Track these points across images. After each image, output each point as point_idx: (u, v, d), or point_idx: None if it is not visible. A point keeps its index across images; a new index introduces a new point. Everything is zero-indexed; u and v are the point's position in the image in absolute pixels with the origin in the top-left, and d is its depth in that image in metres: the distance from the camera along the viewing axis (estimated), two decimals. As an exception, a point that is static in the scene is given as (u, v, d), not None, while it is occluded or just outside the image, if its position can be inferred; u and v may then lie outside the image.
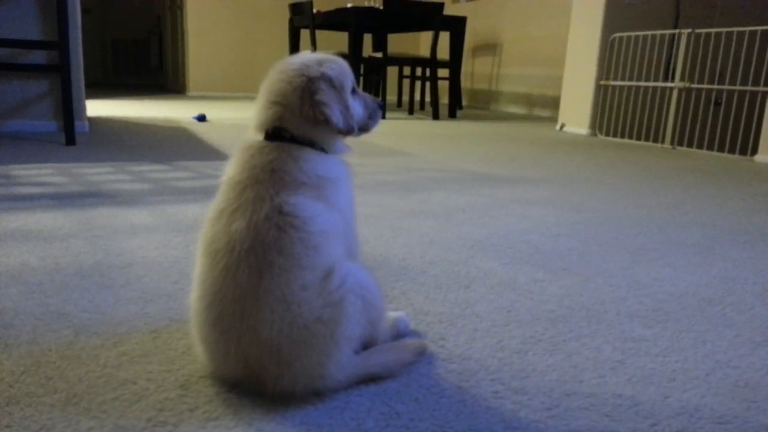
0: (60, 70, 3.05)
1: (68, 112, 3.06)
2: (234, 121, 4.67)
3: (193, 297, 0.86)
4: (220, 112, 5.35)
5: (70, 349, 0.93)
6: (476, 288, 1.28)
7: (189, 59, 7.62)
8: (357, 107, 0.96)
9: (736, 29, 3.67)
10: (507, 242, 1.65)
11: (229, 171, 0.89)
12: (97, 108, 5.22)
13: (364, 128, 0.99)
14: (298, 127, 0.89)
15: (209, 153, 3.00)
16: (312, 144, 0.90)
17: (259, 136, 0.91)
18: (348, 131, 0.92)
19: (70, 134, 3.07)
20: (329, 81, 0.90)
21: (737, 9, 4.99)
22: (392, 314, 1.03)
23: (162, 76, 9.51)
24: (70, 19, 3.20)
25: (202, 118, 4.52)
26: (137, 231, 1.59)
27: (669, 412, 0.83)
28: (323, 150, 0.92)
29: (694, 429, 0.79)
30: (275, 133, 0.89)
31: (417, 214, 1.92)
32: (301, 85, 0.88)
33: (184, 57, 7.80)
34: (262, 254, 0.80)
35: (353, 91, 0.95)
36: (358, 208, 1.99)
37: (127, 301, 1.13)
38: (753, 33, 4.06)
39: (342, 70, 0.93)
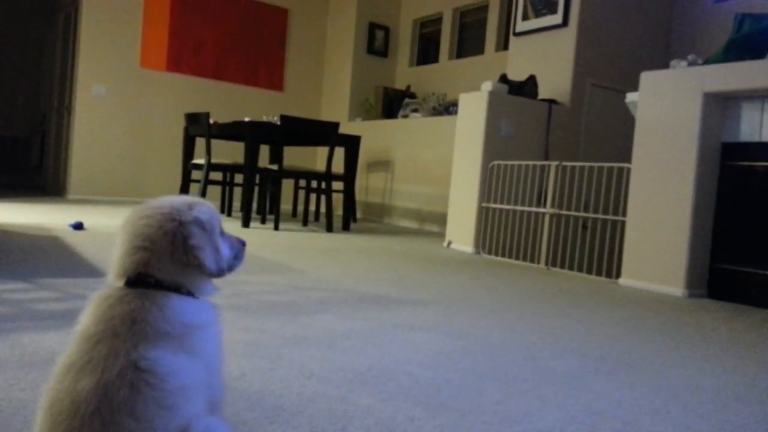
0: None
1: None
2: (114, 229, 4.45)
3: (26, 466, 0.77)
4: (99, 219, 5.10)
5: None
6: (352, 430, 1.25)
7: (72, 160, 7.31)
8: (225, 248, 0.96)
9: (596, 164, 4.12)
10: (388, 374, 1.64)
11: (84, 321, 0.84)
12: (-40, 209, 4.80)
13: (230, 268, 0.99)
14: (166, 271, 0.87)
15: (80, 268, 2.81)
16: (178, 288, 0.88)
17: (119, 282, 0.87)
18: (219, 273, 0.92)
19: None
20: (201, 224, 0.90)
21: (599, 147, 5.64)
22: (258, 470, 0.97)
23: (41, 177, 9.01)
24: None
25: (78, 226, 4.27)
26: (-20, 366, 1.42)
27: None
28: (190, 293, 0.90)
29: None
30: (138, 280, 0.86)
31: (300, 341, 1.88)
32: (172, 229, 0.87)
33: (66, 158, 7.48)
34: (109, 416, 0.74)
35: (221, 233, 0.95)
36: (239, 334, 1.91)
37: (-51, 462, 0.98)
38: (611, 168, 4.57)
39: (212, 213, 0.94)
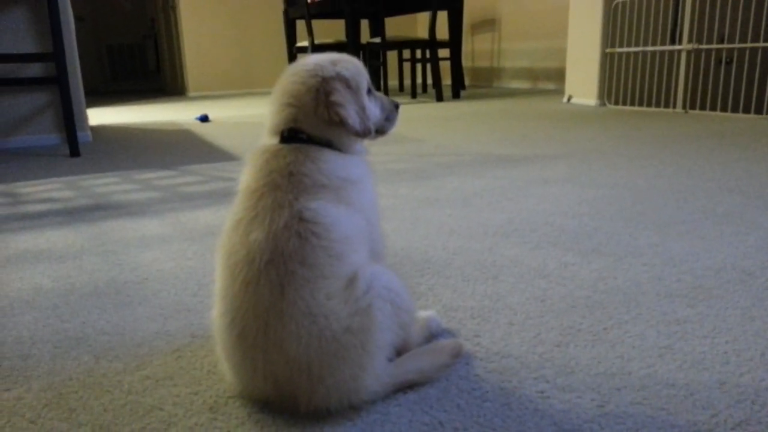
0: (58, 81, 3.01)
1: (70, 124, 3.03)
2: (237, 119, 4.62)
3: (215, 313, 0.82)
4: (222, 111, 5.30)
5: (92, 376, 0.89)
6: (505, 278, 1.23)
7: (186, 60, 7.56)
8: (373, 109, 0.91)
9: (744, -15, 3.55)
10: (530, 225, 1.59)
11: (245, 178, 0.85)
12: (98, 116, 5.19)
13: (380, 131, 0.95)
14: (314, 127, 0.85)
15: (215, 155, 2.96)
16: (330, 145, 0.86)
17: (274, 140, 0.86)
18: (364, 133, 0.87)
19: (74, 146, 3.03)
20: (345, 81, 0.85)
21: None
22: (422, 314, 0.99)
23: (161, 79, 9.46)
24: (63, 29, 3.15)
25: (204, 119, 4.47)
26: (150, 243, 1.55)
27: (728, 400, 0.78)
28: (340, 151, 0.88)
29: (758, 418, 0.74)
30: (291, 135, 0.85)
31: (433, 203, 1.87)
32: (315, 85, 0.84)
33: (181, 58, 7.75)
34: (283, 265, 0.76)
35: (369, 92, 0.90)
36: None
37: (147, 319, 1.09)
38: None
39: (357, 70, 0.88)
